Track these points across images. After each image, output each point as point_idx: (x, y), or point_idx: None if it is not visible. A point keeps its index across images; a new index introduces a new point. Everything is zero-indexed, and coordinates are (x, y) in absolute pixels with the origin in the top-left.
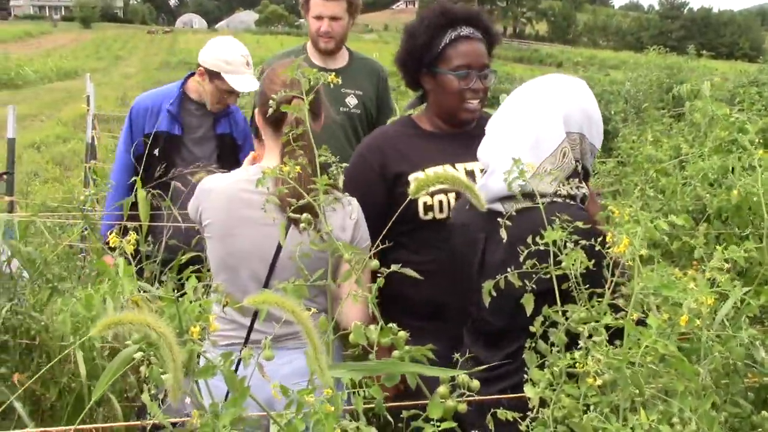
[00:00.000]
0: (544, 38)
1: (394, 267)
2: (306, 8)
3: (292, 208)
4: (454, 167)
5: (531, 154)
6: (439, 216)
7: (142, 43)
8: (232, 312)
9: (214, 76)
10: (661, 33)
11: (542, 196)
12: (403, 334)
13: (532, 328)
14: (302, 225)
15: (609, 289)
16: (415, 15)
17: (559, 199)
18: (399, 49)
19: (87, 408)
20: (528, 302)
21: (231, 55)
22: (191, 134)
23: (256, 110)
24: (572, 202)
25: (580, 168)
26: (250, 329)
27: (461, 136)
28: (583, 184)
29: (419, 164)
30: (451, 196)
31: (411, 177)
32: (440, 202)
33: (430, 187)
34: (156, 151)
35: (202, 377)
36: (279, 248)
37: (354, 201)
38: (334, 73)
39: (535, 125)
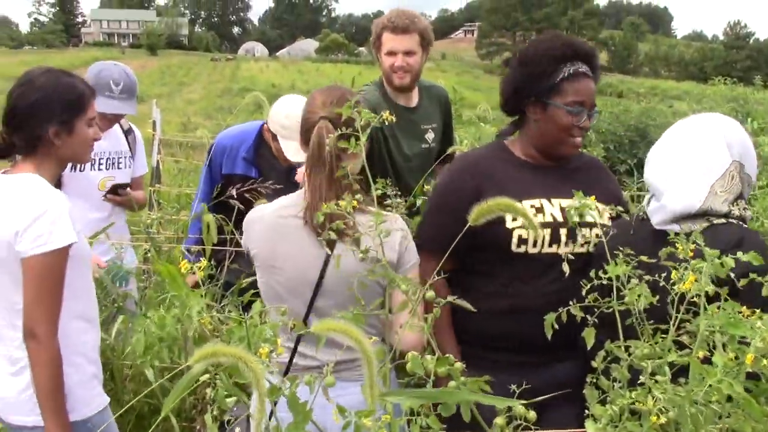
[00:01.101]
0: (603, 68)
1: (450, 298)
2: (377, 45)
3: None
4: (550, 202)
5: (701, 176)
6: (531, 250)
7: (206, 70)
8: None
9: (274, 137)
10: (725, 63)
11: (718, 215)
12: (459, 365)
13: (594, 363)
14: (361, 255)
15: (674, 325)
16: (474, 43)
17: (734, 220)
18: (509, 75)
19: (153, 425)
20: (589, 336)
21: (289, 120)
22: (267, 178)
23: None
24: (745, 225)
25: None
26: (293, 354)
27: (556, 170)
28: (748, 206)
29: (517, 196)
30: (547, 231)
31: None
32: (535, 237)
33: (490, 214)
34: (233, 191)
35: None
36: (322, 273)
37: (401, 220)
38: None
39: (703, 150)
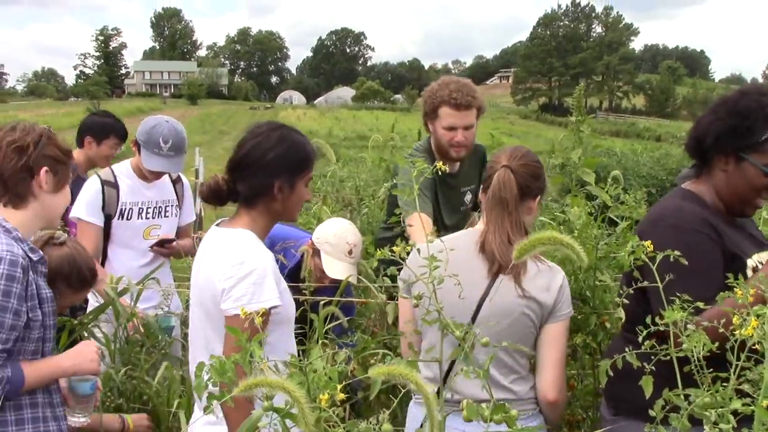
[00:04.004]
0: (641, 112)
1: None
2: (433, 118)
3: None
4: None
5: None
6: None
7: (245, 118)
8: (424, 369)
9: (316, 252)
10: None
11: None
12: (515, 412)
13: (652, 412)
14: (414, 301)
15: (735, 373)
16: (509, 89)
17: None
18: (711, 121)
19: None
20: (647, 384)
21: (336, 239)
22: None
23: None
24: None
25: None
26: (441, 388)
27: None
28: None
29: (747, 252)
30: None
31: (749, 262)
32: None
33: (534, 249)
34: None
35: None
36: (481, 302)
37: (560, 270)
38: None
39: None
